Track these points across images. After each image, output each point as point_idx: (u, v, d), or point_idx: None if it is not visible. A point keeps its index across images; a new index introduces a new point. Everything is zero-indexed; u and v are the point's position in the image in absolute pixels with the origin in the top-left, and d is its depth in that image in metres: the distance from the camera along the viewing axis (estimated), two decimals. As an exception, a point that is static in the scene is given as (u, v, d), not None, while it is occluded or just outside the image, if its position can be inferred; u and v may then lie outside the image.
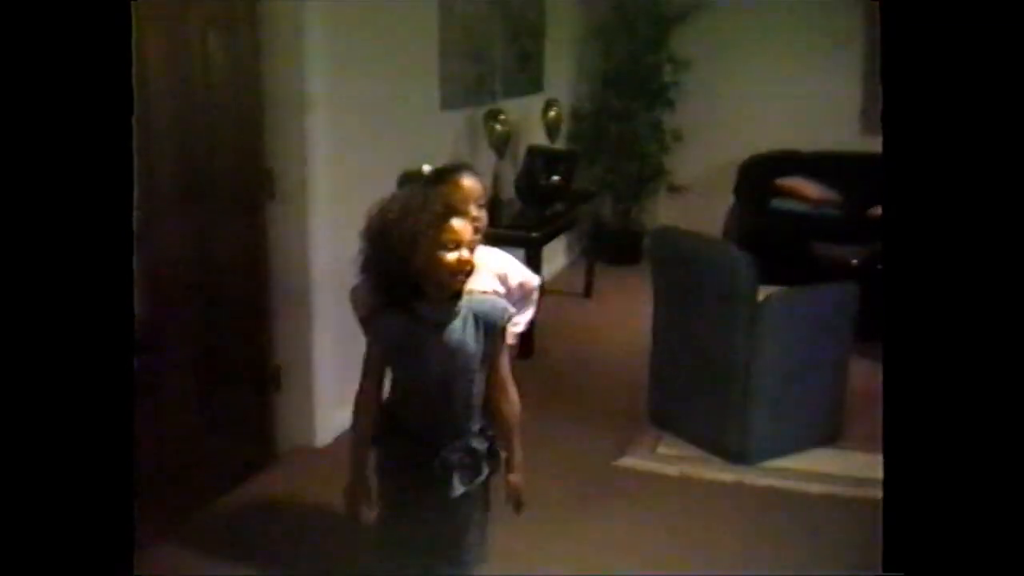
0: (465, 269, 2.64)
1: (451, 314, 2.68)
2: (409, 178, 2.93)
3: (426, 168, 2.93)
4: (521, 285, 3.30)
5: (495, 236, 3.75)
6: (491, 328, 2.75)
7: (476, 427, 2.80)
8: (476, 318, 2.70)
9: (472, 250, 2.70)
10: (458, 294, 2.68)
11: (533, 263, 5.69)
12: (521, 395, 2.87)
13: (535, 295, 3.40)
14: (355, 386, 2.88)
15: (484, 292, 2.89)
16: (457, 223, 2.61)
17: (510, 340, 3.23)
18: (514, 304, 3.22)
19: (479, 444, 2.80)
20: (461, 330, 2.68)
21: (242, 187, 4.38)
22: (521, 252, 5.56)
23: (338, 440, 4.53)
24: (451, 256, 2.59)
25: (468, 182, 3.11)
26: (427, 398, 2.73)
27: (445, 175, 3.10)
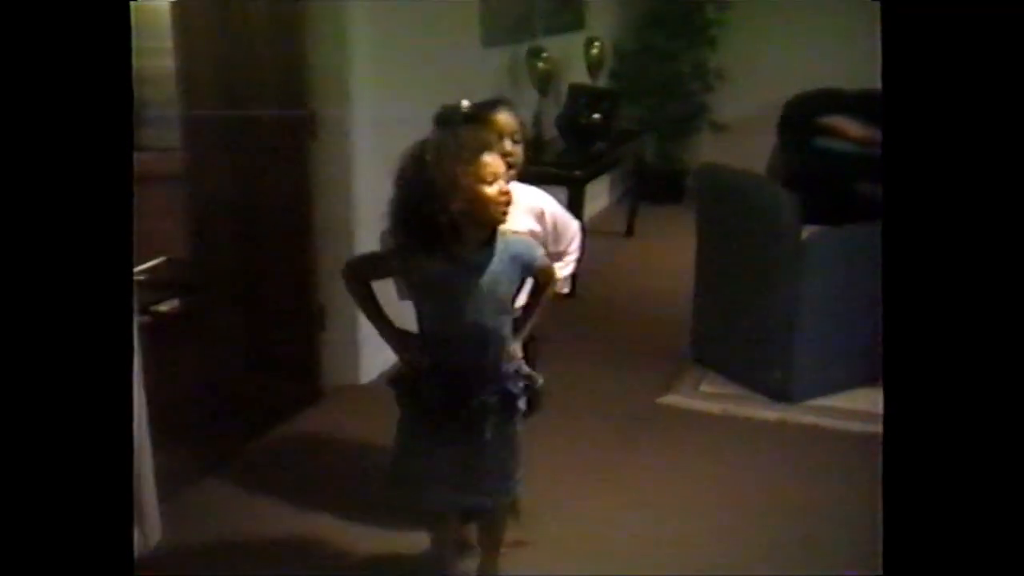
0: (505, 200, 2.67)
1: (488, 257, 2.69)
2: (447, 112, 2.92)
3: (464, 103, 2.93)
4: (556, 224, 3.27)
5: (538, 174, 3.73)
6: (527, 268, 2.78)
7: (512, 368, 2.81)
8: (512, 259, 2.73)
9: (507, 183, 2.73)
10: (493, 235, 2.70)
11: (576, 202, 5.69)
12: (565, 333, 2.88)
13: (577, 239, 3.34)
14: (398, 322, 2.90)
15: (518, 232, 2.87)
16: (489, 157, 2.65)
17: (561, 288, 3.25)
18: (549, 242, 3.23)
19: (514, 387, 2.80)
20: (498, 271, 2.70)
21: (284, 128, 4.39)
22: (564, 191, 5.56)
23: (382, 377, 4.57)
24: (491, 189, 2.62)
25: (502, 117, 3.11)
26: (462, 342, 2.73)
27: (481, 111, 3.09)
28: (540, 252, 2.84)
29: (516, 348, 2.84)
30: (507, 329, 2.79)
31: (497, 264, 2.70)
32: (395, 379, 2.89)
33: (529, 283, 2.95)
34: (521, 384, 2.82)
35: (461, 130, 2.74)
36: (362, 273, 2.89)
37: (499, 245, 2.71)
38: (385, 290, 2.93)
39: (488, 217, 2.66)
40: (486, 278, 2.69)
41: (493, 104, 3.20)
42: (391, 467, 2.96)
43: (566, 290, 3.31)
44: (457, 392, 2.75)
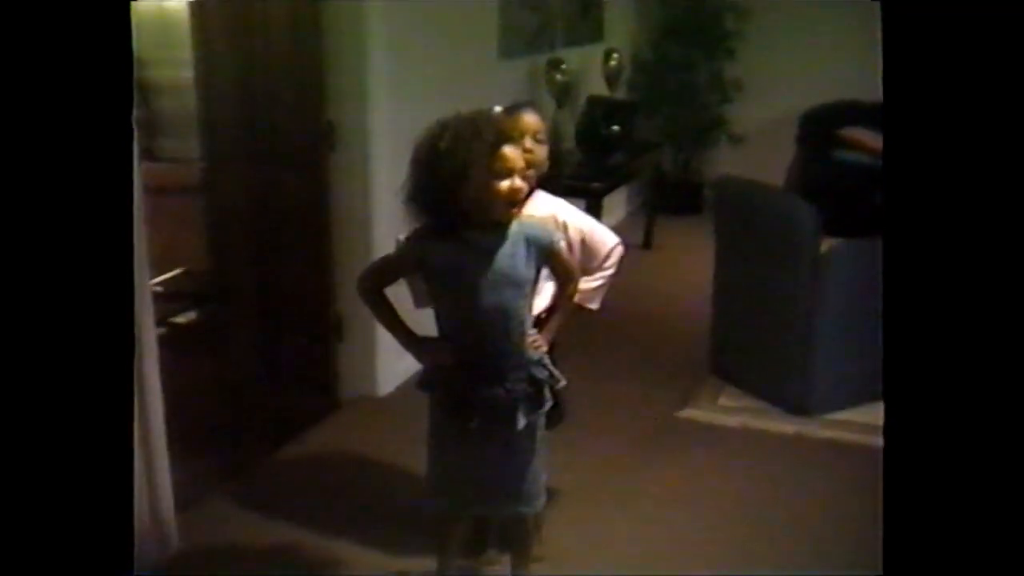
0: (517, 197, 2.62)
1: (501, 239, 2.64)
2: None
3: (496, 109, 2.89)
4: (584, 240, 3.22)
5: (556, 186, 3.71)
6: (542, 251, 2.71)
7: (536, 357, 2.78)
8: (527, 242, 2.66)
9: (524, 179, 2.65)
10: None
11: (594, 214, 5.66)
12: (583, 347, 2.85)
13: (613, 257, 3.25)
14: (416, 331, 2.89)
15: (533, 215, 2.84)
16: (509, 150, 2.58)
17: (589, 305, 3.22)
18: (578, 259, 3.19)
19: (540, 373, 2.77)
20: (511, 255, 2.64)
21: (303, 139, 4.40)
22: (582, 203, 5.54)
23: (400, 389, 4.58)
24: (503, 184, 2.56)
25: (526, 115, 3.09)
26: (483, 329, 2.69)
27: (507, 112, 3.06)
28: (557, 236, 2.79)
29: (541, 340, 2.81)
30: (527, 313, 2.75)
31: (511, 246, 2.64)
32: (424, 381, 2.86)
33: (551, 287, 2.94)
34: (546, 373, 2.79)
35: (481, 118, 2.66)
36: (377, 281, 2.87)
37: (514, 227, 2.66)
38: (402, 301, 2.92)
39: (495, 212, 2.61)
40: (501, 260, 2.63)
41: (518, 105, 3.19)
42: (427, 476, 2.95)
43: (593, 306, 3.26)
44: (486, 381, 2.71)
